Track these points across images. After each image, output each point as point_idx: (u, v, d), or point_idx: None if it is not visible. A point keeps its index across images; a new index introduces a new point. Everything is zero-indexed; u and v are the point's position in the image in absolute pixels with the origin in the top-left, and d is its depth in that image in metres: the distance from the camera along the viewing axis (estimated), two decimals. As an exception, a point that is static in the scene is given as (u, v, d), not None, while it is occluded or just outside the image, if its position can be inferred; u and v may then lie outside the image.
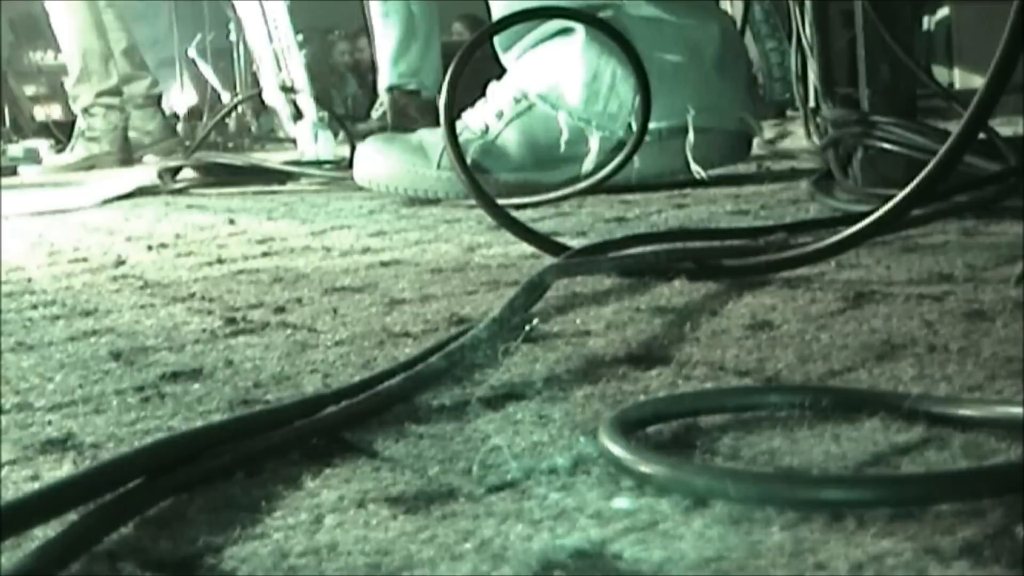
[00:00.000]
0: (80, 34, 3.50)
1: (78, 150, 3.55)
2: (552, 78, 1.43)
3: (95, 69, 3.53)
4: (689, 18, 1.42)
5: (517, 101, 1.44)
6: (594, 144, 1.40)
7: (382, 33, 3.30)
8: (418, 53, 3.26)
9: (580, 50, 1.41)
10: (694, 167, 1.38)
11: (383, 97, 3.35)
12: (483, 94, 1.48)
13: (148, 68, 3.88)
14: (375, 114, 3.43)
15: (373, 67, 3.54)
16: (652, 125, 1.33)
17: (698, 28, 1.42)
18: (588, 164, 1.40)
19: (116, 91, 3.59)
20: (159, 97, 3.86)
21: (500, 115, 1.44)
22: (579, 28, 1.40)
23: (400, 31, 3.25)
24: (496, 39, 1.49)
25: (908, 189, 0.67)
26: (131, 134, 3.63)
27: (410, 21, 3.23)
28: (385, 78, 3.32)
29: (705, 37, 1.42)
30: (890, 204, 0.68)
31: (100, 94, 3.55)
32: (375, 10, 3.28)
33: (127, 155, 3.57)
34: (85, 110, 3.55)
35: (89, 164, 3.48)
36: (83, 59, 3.52)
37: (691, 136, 1.38)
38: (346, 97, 6.14)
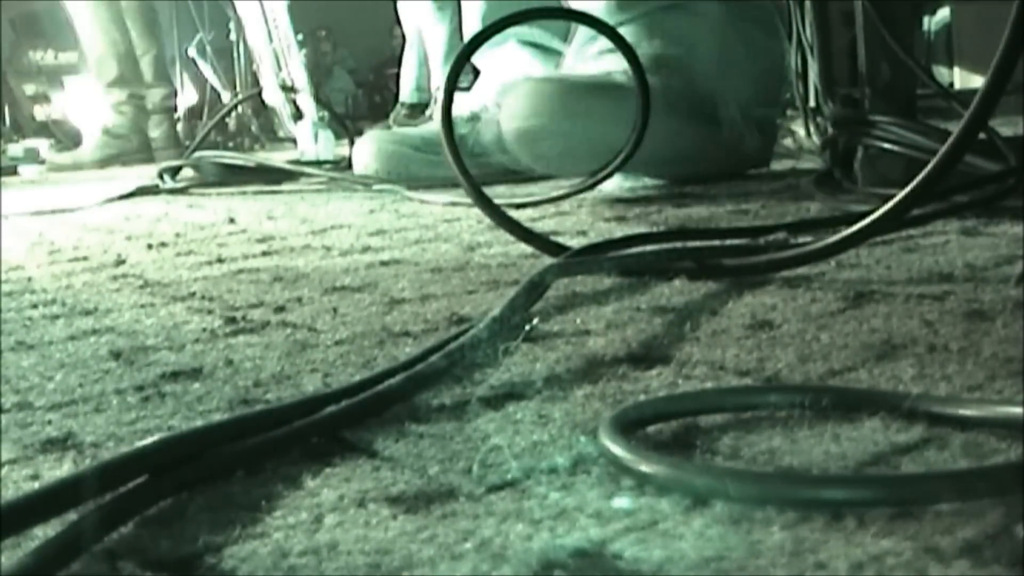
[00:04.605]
0: (109, 40, 3.52)
1: (103, 146, 3.55)
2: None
3: (129, 71, 3.56)
4: (752, 22, 1.46)
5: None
6: None
7: (433, 29, 3.19)
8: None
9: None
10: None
11: (437, 95, 3.26)
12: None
13: (170, 80, 3.90)
14: (400, 113, 3.35)
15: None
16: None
17: (759, 31, 1.46)
18: None
19: (143, 94, 3.62)
20: (173, 108, 3.87)
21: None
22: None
23: (451, 25, 3.17)
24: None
25: (908, 188, 0.67)
26: None
27: (457, 15, 3.16)
28: (438, 75, 3.23)
29: (770, 41, 1.46)
30: (890, 204, 0.68)
31: (133, 96, 3.57)
32: (426, 8, 3.20)
33: (148, 153, 3.58)
34: (118, 110, 3.56)
35: (111, 161, 3.49)
36: (118, 65, 3.54)
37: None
38: (345, 96, 6.15)
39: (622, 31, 1.34)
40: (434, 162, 1.64)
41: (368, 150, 1.77)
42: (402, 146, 1.75)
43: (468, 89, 1.79)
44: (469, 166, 0.96)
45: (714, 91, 1.40)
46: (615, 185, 1.38)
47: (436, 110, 3.08)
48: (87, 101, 3.80)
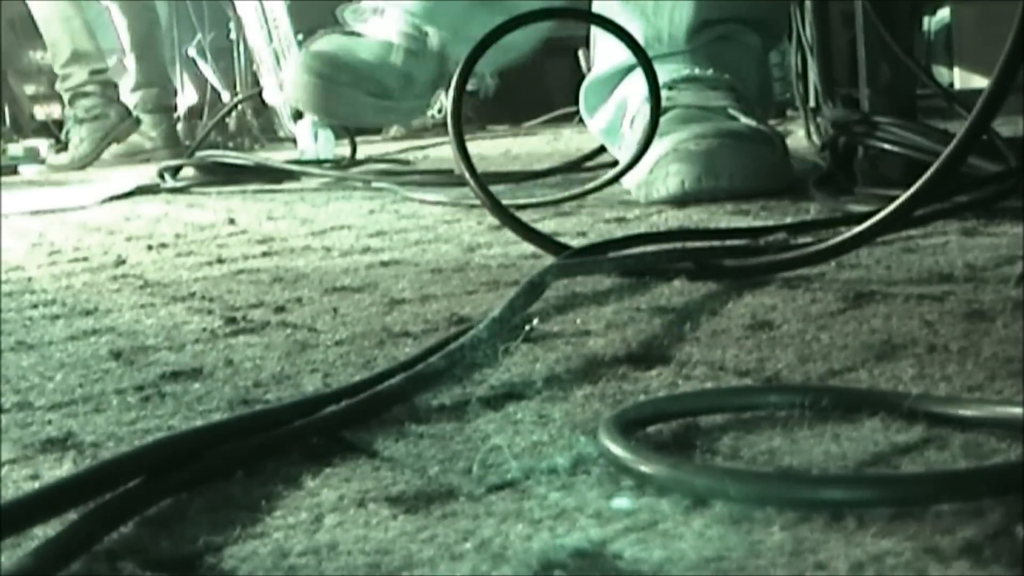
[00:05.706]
0: (66, 22, 3.49)
1: (91, 133, 3.51)
2: None
3: (87, 51, 3.52)
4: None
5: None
6: None
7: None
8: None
9: None
10: None
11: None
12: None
13: (170, 80, 3.88)
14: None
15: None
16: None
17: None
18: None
19: (106, 69, 3.59)
20: (172, 107, 3.85)
21: None
22: None
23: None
24: None
25: (912, 190, 0.67)
26: (134, 137, 3.62)
27: None
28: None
29: None
30: (893, 206, 0.67)
31: (94, 72, 3.54)
32: None
33: (133, 120, 3.55)
34: (81, 93, 3.52)
35: (104, 143, 3.46)
36: (72, 41, 3.50)
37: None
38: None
39: (681, 58, 1.35)
40: (385, 107, 1.59)
41: (298, 82, 1.66)
42: (347, 86, 1.66)
43: None
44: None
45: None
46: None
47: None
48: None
